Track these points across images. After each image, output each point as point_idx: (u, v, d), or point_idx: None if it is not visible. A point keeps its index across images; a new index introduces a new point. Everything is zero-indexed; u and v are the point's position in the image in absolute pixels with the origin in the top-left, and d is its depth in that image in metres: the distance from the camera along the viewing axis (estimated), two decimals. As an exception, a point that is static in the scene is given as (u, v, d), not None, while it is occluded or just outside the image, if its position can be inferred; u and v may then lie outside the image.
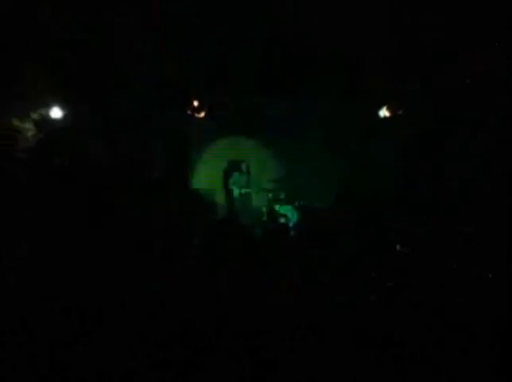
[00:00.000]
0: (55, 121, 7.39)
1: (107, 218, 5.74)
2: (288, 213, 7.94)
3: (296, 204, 8.04)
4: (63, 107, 7.39)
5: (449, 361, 3.36)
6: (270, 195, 8.36)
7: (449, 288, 4.31)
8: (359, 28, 6.55)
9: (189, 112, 7.92)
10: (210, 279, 4.27)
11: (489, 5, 5.90)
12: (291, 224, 7.75)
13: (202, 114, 7.99)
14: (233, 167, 8.48)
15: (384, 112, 7.78)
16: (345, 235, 6.04)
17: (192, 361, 3.31)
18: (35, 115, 7.26)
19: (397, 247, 5.87)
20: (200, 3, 6.39)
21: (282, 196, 8.25)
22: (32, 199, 5.80)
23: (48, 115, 7.35)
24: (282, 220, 7.79)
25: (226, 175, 8.48)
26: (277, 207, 8.10)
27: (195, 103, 7.92)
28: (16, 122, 7.06)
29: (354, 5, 6.28)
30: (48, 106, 7.36)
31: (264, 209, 8.34)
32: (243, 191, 8.51)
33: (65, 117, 7.39)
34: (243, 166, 8.45)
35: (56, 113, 7.40)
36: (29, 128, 7.17)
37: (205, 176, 8.77)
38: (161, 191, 7.08)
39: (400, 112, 7.70)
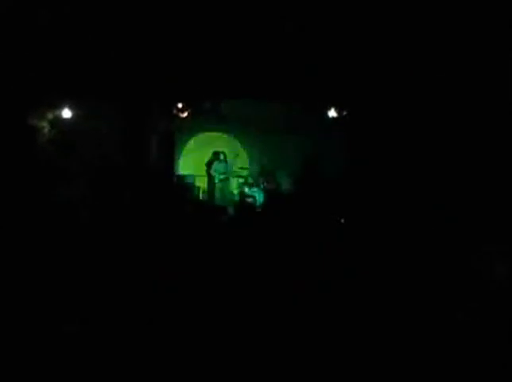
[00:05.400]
0: (66, 120, 8.60)
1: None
2: (256, 195, 9.65)
3: (262, 186, 9.68)
4: (72, 109, 8.60)
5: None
6: (241, 180, 10.07)
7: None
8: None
9: (174, 112, 9.28)
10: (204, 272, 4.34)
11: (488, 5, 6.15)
12: (258, 204, 9.44)
13: (185, 114, 9.34)
14: (214, 157, 10.09)
15: (332, 113, 9.31)
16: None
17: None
18: (50, 115, 8.54)
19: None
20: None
21: (250, 180, 9.88)
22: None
23: (60, 115, 8.58)
24: (250, 200, 9.53)
25: (209, 164, 10.14)
26: (246, 189, 9.78)
27: (179, 105, 9.27)
28: (34, 121, 8.34)
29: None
30: (61, 107, 8.55)
31: (235, 192, 10.08)
32: (222, 177, 10.04)
33: (73, 117, 8.61)
34: (221, 156, 10.05)
35: (66, 113, 8.67)
36: (45, 126, 8.45)
37: (190, 164, 10.26)
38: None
39: (344, 113, 9.31)
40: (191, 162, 10.20)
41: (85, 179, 7.75)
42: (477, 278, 4.42)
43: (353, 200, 7.85)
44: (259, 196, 9.63)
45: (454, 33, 6.96)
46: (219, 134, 10.25)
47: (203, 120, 9.82)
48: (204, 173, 10.17)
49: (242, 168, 10.19)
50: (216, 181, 10.09)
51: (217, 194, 10.02)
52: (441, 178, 7.20)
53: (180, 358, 3.35)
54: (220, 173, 10.09)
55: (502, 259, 4.55)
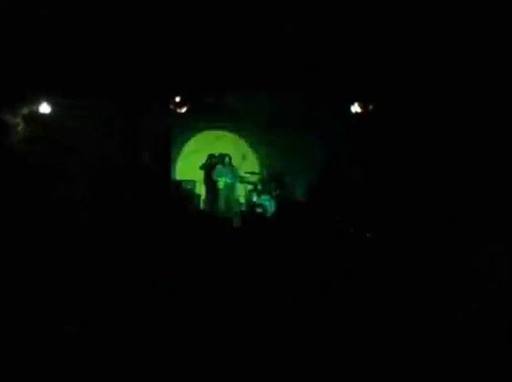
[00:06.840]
0: (43, 116, 7.90)
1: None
2: (266, 203, 8.39)
3: (274, 193, 8.47)
4: (51, 103, 7.89)
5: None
6: (249, 186, 8.82)
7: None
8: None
9: (171, 107, 8.22)
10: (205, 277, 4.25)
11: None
12: (268, 214, 8.18)
13: (183, 110, 8.28)
14: (215, 160, 8.88)
15: (355, 108, 8.12)
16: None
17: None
18: (25, 110, 7.79)
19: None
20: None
21: (259, 186, 8.66)
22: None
23: (37, 111, 7.85)
24: (259, 210, 8.25)
25: (209, 168, 8.93)
26: (254, 198, 8.56)
27: (177, 99, 8.21)
28: (8, 117, 7.58)
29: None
30: (38, 102, 7.85)
31: (242, 200, 8.83)
32: (228, 182, 8.80)
33: (53, 112, 7.92)
34: (226, 159, 8.79)
35: (44, 108, 7.90)
36: (19, 122, 7.71)
37: (189, 168, 9.09)
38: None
39: (371, 108, 8.10)
40: (190, 166, 8.97)
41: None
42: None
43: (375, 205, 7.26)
44: (270, 205, 8.39)
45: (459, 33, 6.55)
46: (223, 132, 9.12)
47: (204, 116, 8.74)
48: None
49: (250, 173, 8.92)
50: (221, 187, 8.83)
51: (221, 203, 8.76)
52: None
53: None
54: (226, 179, 8.85)
55: (502, 259, 4.63)
